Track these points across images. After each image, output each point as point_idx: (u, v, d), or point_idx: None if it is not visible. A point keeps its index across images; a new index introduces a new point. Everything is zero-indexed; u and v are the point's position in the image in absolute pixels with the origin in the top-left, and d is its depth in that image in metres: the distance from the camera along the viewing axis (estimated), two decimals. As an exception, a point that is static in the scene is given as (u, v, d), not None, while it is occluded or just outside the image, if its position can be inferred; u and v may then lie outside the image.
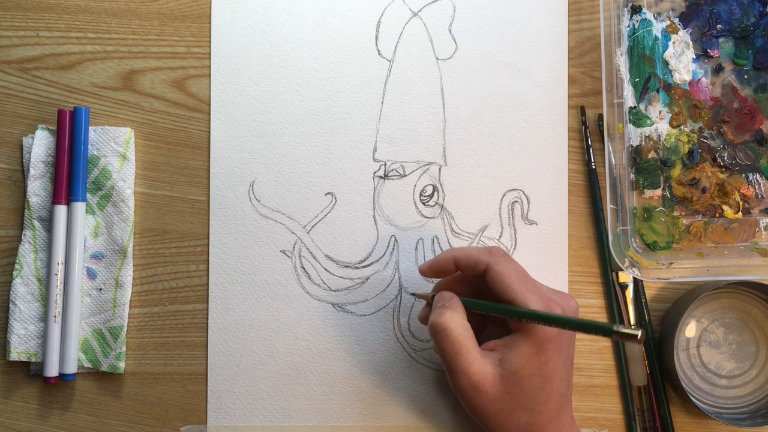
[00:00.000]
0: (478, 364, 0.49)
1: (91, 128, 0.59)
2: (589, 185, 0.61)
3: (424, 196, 0.60)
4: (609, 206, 0.57)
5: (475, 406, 0.50)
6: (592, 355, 0.60)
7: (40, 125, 0.59)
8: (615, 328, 0.42)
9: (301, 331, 0.59)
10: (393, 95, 0.60)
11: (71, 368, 0.57)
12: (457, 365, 0.49)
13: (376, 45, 0.61)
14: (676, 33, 0.60)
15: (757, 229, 0.59)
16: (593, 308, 0.60)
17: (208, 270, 0.59)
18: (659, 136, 0.59)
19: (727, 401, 0.59)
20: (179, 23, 0.61)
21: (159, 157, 0.60)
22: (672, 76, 0.60)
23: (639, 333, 0.41)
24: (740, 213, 0.59)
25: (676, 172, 0.59)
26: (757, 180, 0.59)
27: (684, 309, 0.56)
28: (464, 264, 0.52)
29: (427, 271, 0.54)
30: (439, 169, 0.60)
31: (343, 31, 0.61)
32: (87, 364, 0.58)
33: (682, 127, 0.59)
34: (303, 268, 0.60)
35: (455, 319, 0.49)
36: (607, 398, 0.60)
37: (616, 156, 0.58)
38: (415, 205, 0.60)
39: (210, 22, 0.61)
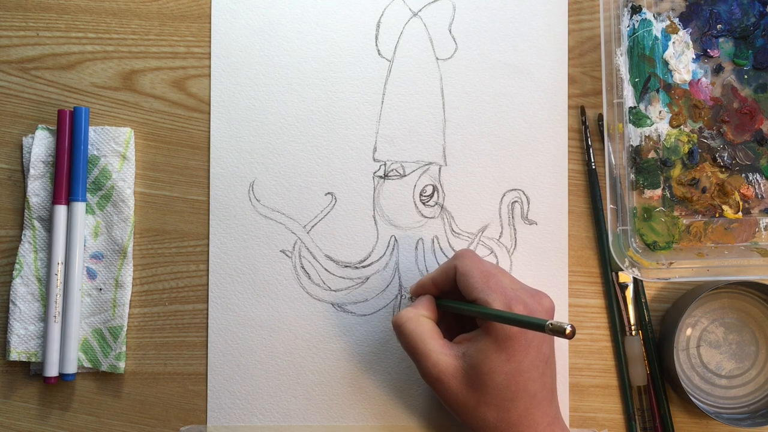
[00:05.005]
0: (436, 354, 0.50)
1: (91, 128, 0.59)
2: (589, 185, 0.61)
3: (424, 196, 0.60)
4: (609, 206, 0.57)
5: (442, 398, 0.51)
6: (592, 355, 0.60)
7: (40, 125, 0.59)
8: (548, 323, 0.44)
9: (301, 331, 0.59)
10: (393, 95, 0.60)
11: (71, 368, 0.57)
12: (415, 357, 0.52)
13: (376, 45, 0.61)
14: (676, 33, 0.60)
15: (757, 229, 0.59)
16: (593, 308, 0.60)
17: (208, 270, 0.59)
18: (659, 136, 0.59)
19: (727, 401, 0.59)
20: (179, 23, 0.61)
21: (159, 157, 0.60)
22: (672, 76, 0.60)
23: (568, 328, 0.43)
24: (740, 213, 0.59)
25: (676, 172, 0.59)
26: (757, 180, 0.59)
27: (684, 309, 0.56)
28: (440, 278, 0.54)
29: (414, 294, 0.56)
30: (439, 169, 0.60)
31: (343, 31, 0.61)
32: (87, 364, 0.58)
33: (682, 127, 0.59)
34: (303, 268, 0.60)
35: (409, 315, 0.52)
36: (607, 398, 0.60)
37: (616, 156, 0.58)
38: (415, 205, 0.60)
39: (210, 22, 0.61)
